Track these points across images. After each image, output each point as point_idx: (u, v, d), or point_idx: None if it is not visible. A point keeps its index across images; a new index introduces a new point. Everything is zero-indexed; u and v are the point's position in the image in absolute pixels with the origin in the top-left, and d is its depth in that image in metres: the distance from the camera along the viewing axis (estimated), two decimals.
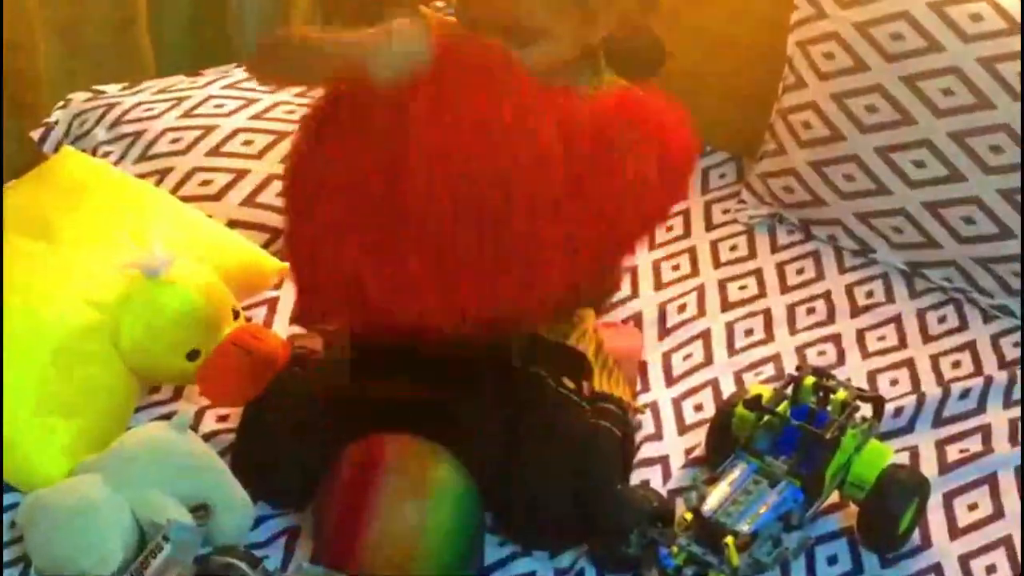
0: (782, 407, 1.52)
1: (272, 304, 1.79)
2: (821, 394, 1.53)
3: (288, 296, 1.77)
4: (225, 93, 2.05)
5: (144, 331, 1.55)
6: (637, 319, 1.86)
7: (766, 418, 1.51)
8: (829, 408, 1.52)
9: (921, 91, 1.88)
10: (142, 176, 1.92)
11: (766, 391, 1.56)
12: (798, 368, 1.61)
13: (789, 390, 1.54)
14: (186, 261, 1.59)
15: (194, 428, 1.58)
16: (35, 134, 2.04)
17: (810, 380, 1.54)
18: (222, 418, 1.62)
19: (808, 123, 1.98)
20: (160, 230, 1.68)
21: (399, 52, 1.37)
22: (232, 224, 1.87)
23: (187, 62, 2.29)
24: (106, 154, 1.97)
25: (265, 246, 1.86)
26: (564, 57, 1.49)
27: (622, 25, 1.52)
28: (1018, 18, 1.84)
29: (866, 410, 1.57)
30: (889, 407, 1.67)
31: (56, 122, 2.05)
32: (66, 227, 1.66)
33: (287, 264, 1.78)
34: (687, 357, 1.81)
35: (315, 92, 2.04)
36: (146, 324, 1.55)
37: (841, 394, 1.53)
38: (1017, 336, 1.85)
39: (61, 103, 2.07)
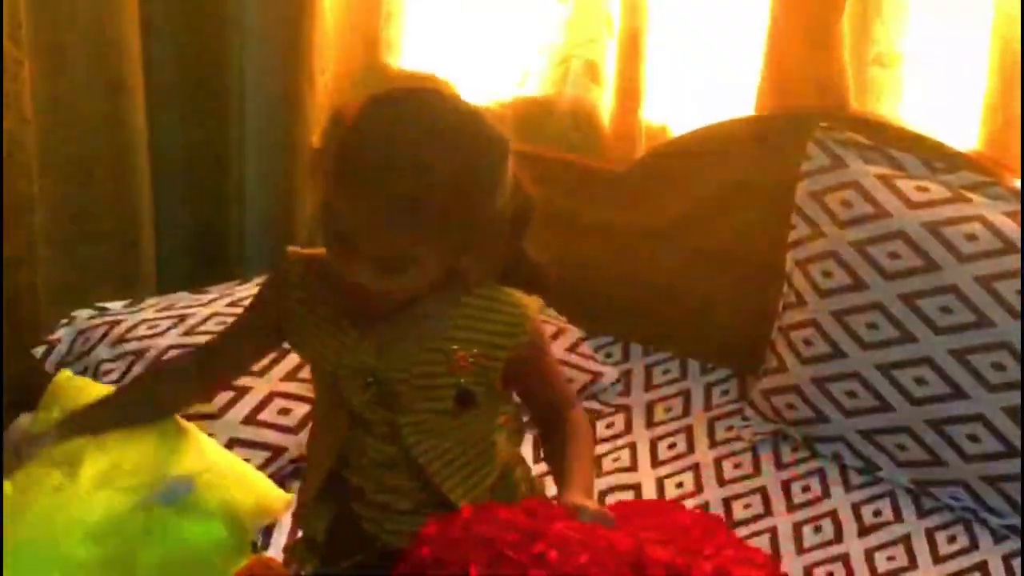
0: None
1: (268, 530, 1.77)
2: None
3: (284, 524, 1.76)
4: (228, 311, 2.05)
5: (162, 565, 1.50)
6: None
7: None
8: None
9: (920, 309, 1.90)
10: None
11: None
12: None
13: None
14: (204, 489, 1.56)
15: None
16: (38, 351, 2.04)
17: None
18: None
19: (809, 340, 1.99)
20: (176, 458, 1.65)
21: None
22: (233, 442, 1.84)
23: (187, 278, 2.33)
24: (108, 371, 1.97)
25: (265, 464, 1.83)
26: (427, 282, 1.48)
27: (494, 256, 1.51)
28: (1012, 238, 1.88)
29: None
30: None
31: (59, 339, 2.05)
32: (78, 457, 1.63)
33: (292, 496, 1.76)
34: None
35: None
36: (166, 557, 1.50)
37: None
38: None
39: (65, 320, 2.07)
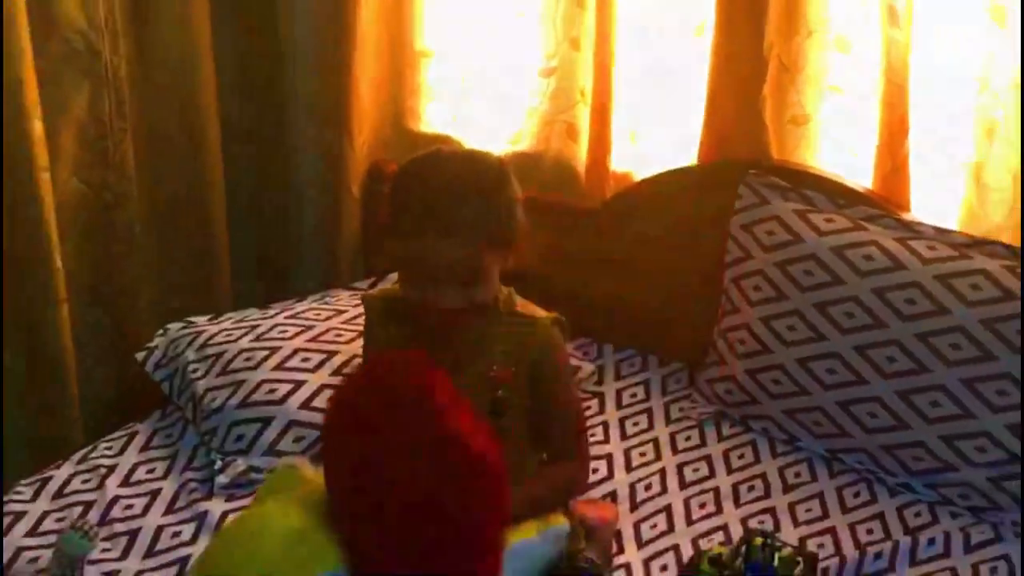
0: (737, 564, 1.52)
1: None
2: (767, 552, 1.53)
3: None
4: (288, 322, 2.07)
5: None
6: (613, 495, 1.87)
7: (725, 573, 1.50)
8: (775, 563, 1.52)
9: (829, 314, 1.91)
10: (220, 388, 1.93)
11: (724, 550, 1.56)
12: (748, 531, 1.61)
13: (743, 549, 1.54)
14: None
15: None
16: (139, 356, 2.07)
17: (759, 540, 1.55)
18: None
19: (743, 340, 2.02)
20: None
21: None
22: (292, 423, 1.88)
23: (255, 296, 2.36)
24: (195, 370, 1.98)
25: (315, 442, 1.82)
26: (495, 289, 1.57)
27: None
28: (899, 258, 1.88)
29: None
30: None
31: (156, 347, 2.08)
32: None
33: None
34: (653, 526, 1.81)
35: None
36: None
37: (786, 551, 1.53)
38: (918, 508, 1.84)
39: (160, 331, 2.10)
